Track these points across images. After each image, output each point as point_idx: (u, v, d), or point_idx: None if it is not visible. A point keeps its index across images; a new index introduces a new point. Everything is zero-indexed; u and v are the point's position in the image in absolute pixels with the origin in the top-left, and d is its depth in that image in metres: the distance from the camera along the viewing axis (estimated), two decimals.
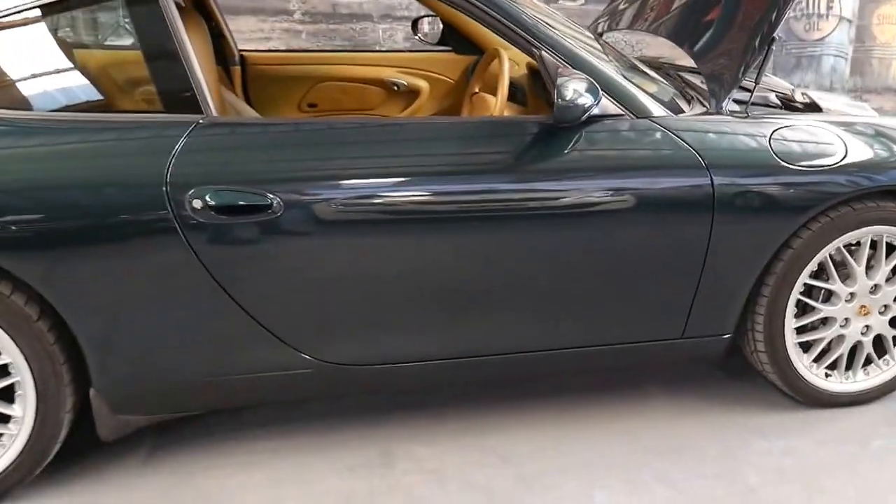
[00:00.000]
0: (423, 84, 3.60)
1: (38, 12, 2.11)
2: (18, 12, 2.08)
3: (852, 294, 2.51)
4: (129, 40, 2.20)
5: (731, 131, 2.34)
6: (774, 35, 2.35)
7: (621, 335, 2.41)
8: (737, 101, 2.50)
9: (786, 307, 2.45)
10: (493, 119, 2.47)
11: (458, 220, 2.17)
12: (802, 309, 2.51)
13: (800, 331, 2.52)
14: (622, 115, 2.28)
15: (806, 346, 2.56)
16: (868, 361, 2.64)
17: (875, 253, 2.51)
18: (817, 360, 2.58)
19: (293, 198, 2.04)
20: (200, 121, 2.07)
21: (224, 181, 2.02)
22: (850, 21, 6.10)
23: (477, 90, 3.13)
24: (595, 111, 2.16)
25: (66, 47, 2.24)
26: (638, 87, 2.37)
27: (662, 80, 2.63)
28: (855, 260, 2.48)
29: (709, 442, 2.47)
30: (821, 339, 2.55)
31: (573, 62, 2.27)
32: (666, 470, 2.33)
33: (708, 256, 2.32)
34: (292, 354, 2.19)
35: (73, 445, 2.28)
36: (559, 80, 2.12)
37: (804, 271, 2.42)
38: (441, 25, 3.69)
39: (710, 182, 2.25)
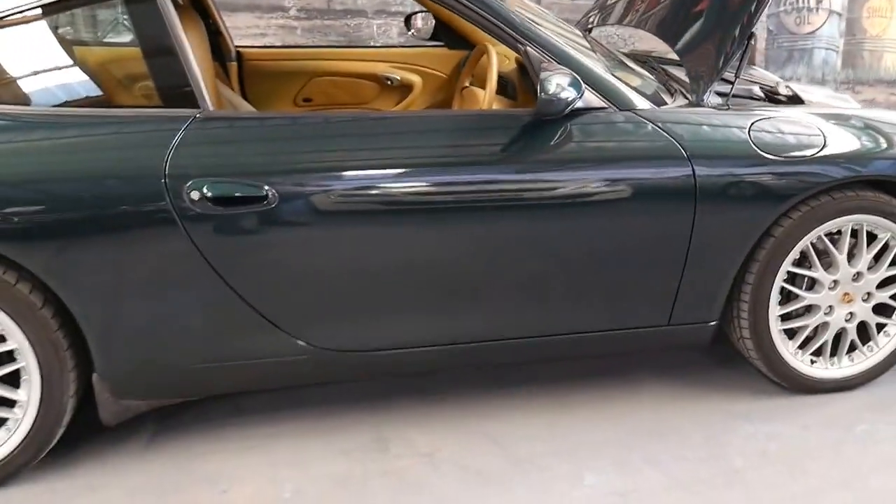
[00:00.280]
0: (415, 79, 3.69)
1: (40, 11, 2.21)
2: (20, 12, 2.18)
3: (835, 282, 2.59)
4: (127, 37, 2.29)
5: (711, 123, 2.43)
6: (753, 30, 2.44)
7: (609, 322, 2.50)
8: (720, 94, 2.59)
9: (770, 295, 2.53)
10: (480, 112, 2.57)
11: (448, 209, 2.26)
12: (786, 296, 2.59)
13: (784, 318, 2.60)
14: (605, 107, 2.37)
15: (791, 333, 2.63)
16: (853, 348, 2.72)
17: (857, 242, 2.58)
18: (802, 346, 2.66)
19: (288, 189, 2.14)
20: (197, 115, 2.17)
21: (220, 173, 2.12)
22: (840, 14, 6.21)
23: (467, 84, 3.22)
24: (578, 104, 2.26)
25: (68, 45, 2.34)
26: (622, 80, 2.46)
27: (647, 73, 2.73)
28: (837, 248, 2.55)
29: (696, 426, 2.55)
30: (805, 326, 2.63)
31: (557, 57, 2.37)
32: (654, 453, 2.41)
33: (691, 245, 2.40)
34: (288, 341, 2.29)
35: (76, 430, 2.38)
36: (543, 75, 2.21)
37: (787, 259, 2.50)
38: (434, 21, 3.79)
39: (691, 172, 2.34)
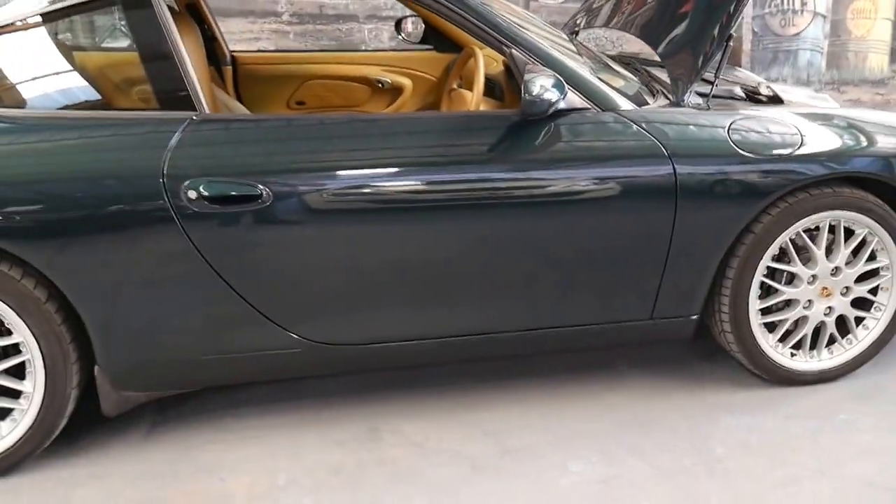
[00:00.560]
0: (406, 81, 3.79)
1: (41, 19, 2.34)
2: (24, 20, 2.30)
3: (814, 276, 2.69)
4: (124, 43, 2.40)
5: (691, 122, 2.53)
6: (732, 31, 2.53)
7: (593, 316, 2.60)
8: (701, 94, 2.68)
9: (749, 289, 2.63)
10: (467, 113, 2.68)
11: (437, 208, 2.37)
12: (766, 291, 2.69)
13: (764, 312, 2.71)
14: (588, 108, 2.47)
15: (771, 327, 2.74)
16: (832, 341, 2.82)
17: (835, 237, 2.67)
18: (782, 339, 2.76)
19: (281, 188, 2.25)
20: (194, 117, 2.28)
21: (217, 173, 2.23)
22: (824, 16, 6.31)
23: (455, 86, 3.32)
24: (562, 105, 2.37)
25: (69, 50, 2.44)
26: (605, 82, 2.56)
27: (630, 75, 2.83)
28: (815, 244, 2.64)
29: (679, 418, 2.65)
30: (785, 320, 2.73)
31: (542, 60, 2.47)
32: (638, 443, 2.52)
33: (673, 241, 2.51)
34: (282, 334, 2.40)
35: (78, 421, 2.49)
36: (527, 77, 2.31)
37: (766, 254, 2.60)
38: (423, 25, 3.89)
39: (672, 171, 2.44)
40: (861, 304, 2.80)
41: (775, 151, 2.53)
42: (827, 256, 2.68)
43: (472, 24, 2.47)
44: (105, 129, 2.26)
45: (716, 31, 2.56)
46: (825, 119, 2.70)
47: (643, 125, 2.47)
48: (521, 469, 2.39)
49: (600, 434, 2.56)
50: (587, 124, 2.45)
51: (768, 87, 2.97)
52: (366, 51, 4.53)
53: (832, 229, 2.67)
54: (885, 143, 2.67)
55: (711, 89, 2.63)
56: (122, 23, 2.37)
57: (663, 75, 2.81)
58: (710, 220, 2.52)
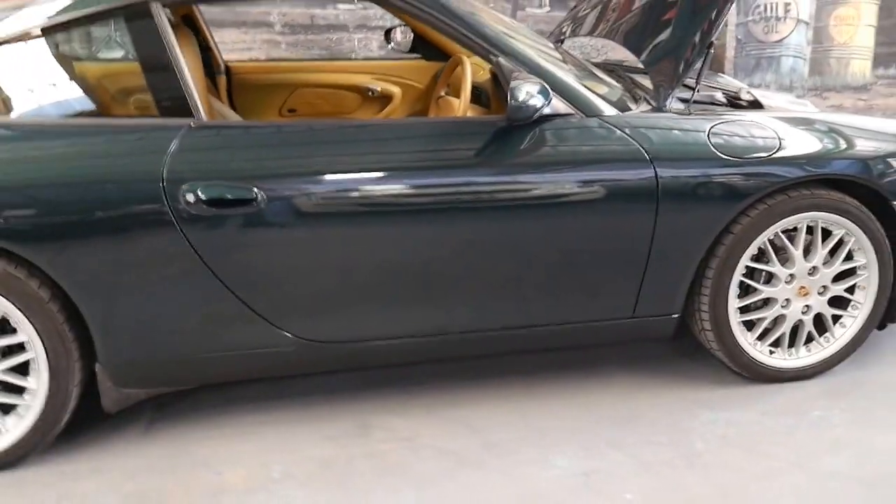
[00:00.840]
0: (395, 89, 3.91)
1: (46, 31, 2.46)
2: (27, 31, 2.43)
3: (791, 276, 2.81)
4: (119, 53, 2.49)
5: (673, 127, 2.64)
6: (713, 38, 2.62)
7: (577, 315, 2.72)
8: (682, 100, 2.78)
9: (729, 288, 2.74)
10: (455, 119, 2.78)
11: (425, 210, 2.49)
12: (745, 290, 2.81)
13: (743, 310, 2.82)
14: (573, 114, 2.58)
15: (750, 325, 2.86)
16: (810, 339, 2.93)
17: (813, 238, 2.77)
18: (761, 337, 2.88)
19: (275, 192, 2.37)
20: (192, 124, 2.40)
21: (213, 177, 2.34)
22: (807, 23, 6.42)
23: (443, 94, 3.42)
24: (547, 111, 2.48)
25: (74, 61, 2.54)
26: (589, 88, 2.67)
27: (613, 82, 2.94)
28: (793, 244, 2.75)
29: (660, 413, 2.77)
30: (763, 319, 2.85)
31: (528, 67, 2.58)
32: (619, 437, 2.63)
33: (654, 242, 2.62)
34: (275, 333, 2.52)
35: (79, 417, 2.61)
36: (513, 83, 2.42)
37: (745, 255, 2.72)
38: (412, 35, 4.01)
39: (654, 174, 2.55)
40: (838, 302, 2.92)
41: (754, 154, 2.63)
42: (805, 256, 2.79)
43: (461, 33, 2.58)
44: (107, 135, 2.38)
45: (697, 38, 2.66)
46: (804, 123, 2.81)
47: (626, 130, 2.57)
48: (504, 463, 2.51)
49: (582, 429, 2.68)
50: (571, 129, 2.55)
51: (749, 92, 3.08)
52: (356, 60, 4.62)
53: (810, 230, 2.77)
54: (862, 146, 2.79)
55: (693, 95, 2.73)
56: (118, 34, 2.46)
57: (646, 82, 2.92)
58: (690, 221, 2.63)
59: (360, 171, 2.44)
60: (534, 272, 2.61)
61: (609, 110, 2.62)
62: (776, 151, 2.65)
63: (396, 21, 4.04)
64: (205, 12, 3.64)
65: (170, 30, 2.43)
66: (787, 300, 2.82)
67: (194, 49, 3.03)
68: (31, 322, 2.33)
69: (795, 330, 2.90)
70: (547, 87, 2.43)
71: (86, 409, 2.58)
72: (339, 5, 5.86)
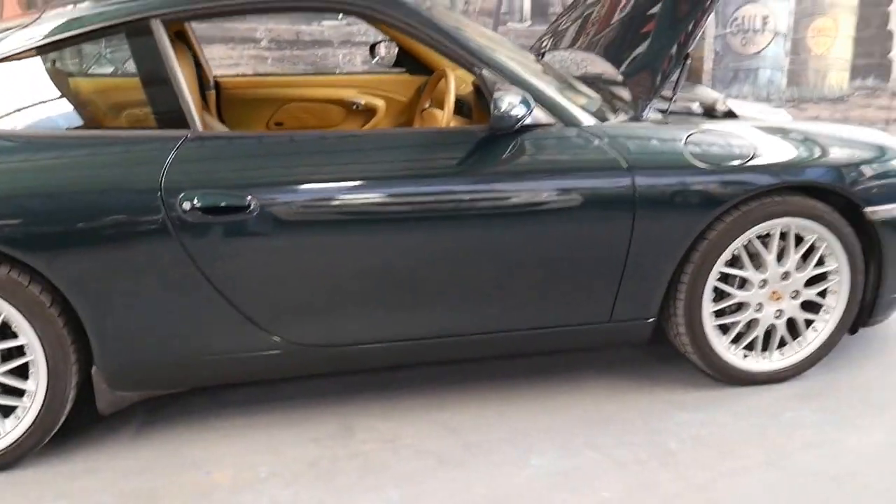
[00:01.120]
0: (379, 103, 4.02)
1: (45, 48, 2.55)
2: (29, 48, 2.52)
3: (764, 281, 2.93)
4: (109, 69, 2.57)
5: (649, 136, 2.77)
6: (689, 50, 2.72)
7: (555, 320, 2.85)
8: (660, 110, 2.88)
9: (703, 293, 2.86)
10: (438, 129, 2.88)
11: (409, 218, 2.61)
12: (719, 295, 2.94)
13: (718, 315, 2.95)
14: (553, 123, 2.69)
15: (724, 329, 2.99)
16: (783, 343, 3.06)
17: (786, 243, 2.88)
18: (735, 341, 3.01)
19: (267, 200, 2.49)
20: (188, 135, 2.51)
21: (209, 186, 2.46)
22: (785, 35, 6.54)
23: (427, 106, 3.53)
24: (528, 121, 2.59)
25: (70, 76, 2.62)
26: (569, 99, 2.80)
27: (593, 93, 3.04)
28: (767, 250, 2.87)
29: (635, 415, 2.90)
30: (737, 323, 2.98)
31: (510, 78, 2.69)
32: (596, 438, 2.75)
33: (631, 248, 2.75)
34: (264, 336, 2.63)
35: (73, 419, 2.70)
36: (496, 94, 2.54)
37: (719, 260, 2.84)
38: (396, 50, 4.12)
39: (631, 182, 2.66)
40: (811, 307, 3.04)
41: (729, 162, 2.76)
42: (778, 261, 2.89)
43: (445, 46, 2.70)
44: (108, 146, 2.49)
45: (673, 50, 2.76)
46: (779, 132, 2.93)
47: (604, 139, 2.68)
48: (483, 463, 2.63)
49: (560, 430, 2.79)
50: (552, 139, 2.67)
51: (724, 103, 3.17)
52: (340, 74, 4.70)
53: (784, 235, 2.88)
54: (836, 154, 2.90)
55: (669, 105, 2.83)
56: (108, 51, 2.54)
57: (624, 93, 3.04)
58: (666, 228, 2.74)
59: (346, 180, 2.55)
60: (515, 278, 2.72)
61: (588, 120, 2.73)
62: (751, 159, 2.77)
63: (381, 36, 4.16)
64: (194, 29, 3.72)
65: (169, 45, 2.54)
66: (760, 304, 2.94)
67: (190, 63, 3.14)
68: (32, 326, 2.43)
69: (769, 334, 3.02)
70: (529, 97, 2.54)
71: (79, 411, 2.68)
72: (325, 22, 6.05)
